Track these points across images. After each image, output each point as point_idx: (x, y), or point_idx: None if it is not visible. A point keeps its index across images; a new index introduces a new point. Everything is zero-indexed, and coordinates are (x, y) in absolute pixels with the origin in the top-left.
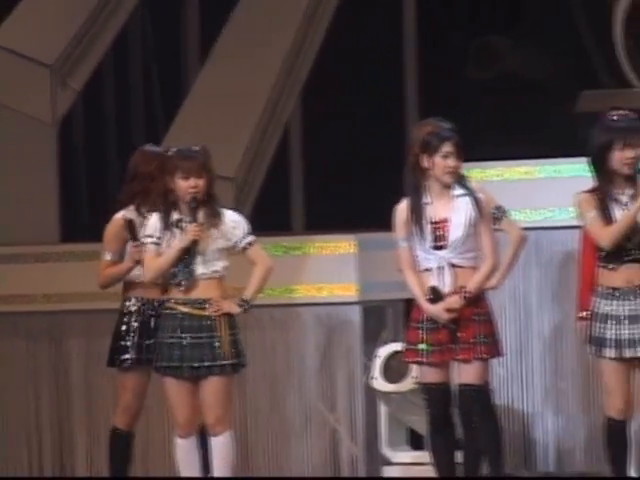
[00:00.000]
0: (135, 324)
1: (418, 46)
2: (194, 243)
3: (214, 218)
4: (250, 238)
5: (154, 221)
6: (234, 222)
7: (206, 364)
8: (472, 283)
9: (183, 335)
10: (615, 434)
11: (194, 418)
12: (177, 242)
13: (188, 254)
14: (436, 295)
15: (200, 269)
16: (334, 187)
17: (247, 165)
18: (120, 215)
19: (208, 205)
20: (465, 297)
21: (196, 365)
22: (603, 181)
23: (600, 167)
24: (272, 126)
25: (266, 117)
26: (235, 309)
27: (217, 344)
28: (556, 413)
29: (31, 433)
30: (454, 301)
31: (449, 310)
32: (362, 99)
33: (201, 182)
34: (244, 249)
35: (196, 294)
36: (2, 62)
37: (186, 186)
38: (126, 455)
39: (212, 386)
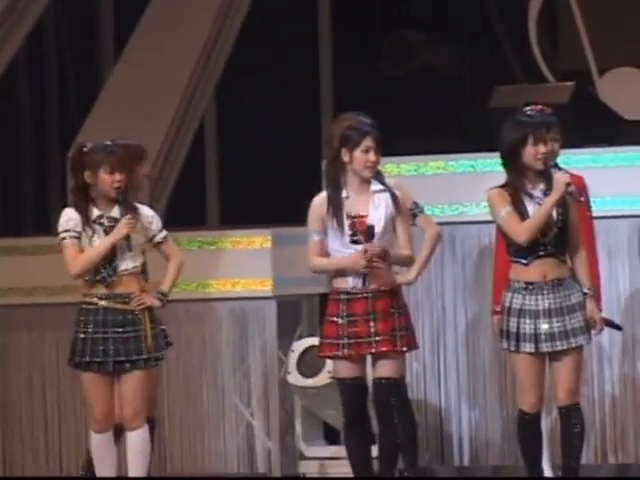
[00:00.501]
0: None
1: (333, 41)
2: (125, 237)
3: (134, 213)
4: (164, 233)
5: (72, 216)
6: (149, 217)
7: (132, 358)
8: (392, 252)
9: (107, 330)
10: (529, 428)
11: (112, 413)
12: (110, 235)
13: (112, 250)
14: (371, 232)
15: (123, 265)
16: (249, 182)
17: (162, 160)
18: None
19: (126, 201)
20: (381, 253)
21: (121, 359)
22: (516, 176)
23: (513, 162)
24: (187, 121)
25: (181, 112)
26: (156, 303)
27: (142, 338)
28: (471, 407)
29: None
30: (372, 245)
31: (367, 258)
32: (277, 94)
33: (124, 176)
34: (159, 244)
35: (119, 289)
36: None
37: (111, 180)
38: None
39: (134, 380)
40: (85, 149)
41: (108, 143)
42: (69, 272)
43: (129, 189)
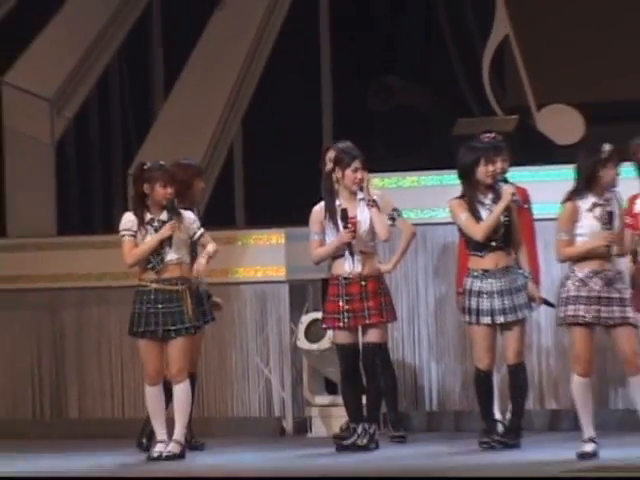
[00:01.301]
0: None
1: (333, 85)
2: (169, 237)
3: (178, 217)
4: (201, 231)
5: (131, 218)
6: (191, 220)
7: (177, 327)
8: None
9: (157, 306)
10: (483, 382)
11: (161, 370)
12: (157, 235)
13: (160, 245)
14: (344, 215)
15: (168, 256)
16: (268, 191)
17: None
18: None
19: (173, 207)
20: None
21: (168, 328)
22: (470, 189)
23: (468, 178)
24: (220, 144)
25: (216, 137)
26: (202, 261)
27: (184, 311)
28: (438, 366)
29: (34, 381)
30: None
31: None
32: (290, 124)
33: (174, 189)
34: (198, 239)
35: (166, 275)
36: (14, 96)
37: (163, 192)
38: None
39: (178, 344)
40: (145, 167)
41: (162, 163)
42: (125, 262)
43: (188, 200)
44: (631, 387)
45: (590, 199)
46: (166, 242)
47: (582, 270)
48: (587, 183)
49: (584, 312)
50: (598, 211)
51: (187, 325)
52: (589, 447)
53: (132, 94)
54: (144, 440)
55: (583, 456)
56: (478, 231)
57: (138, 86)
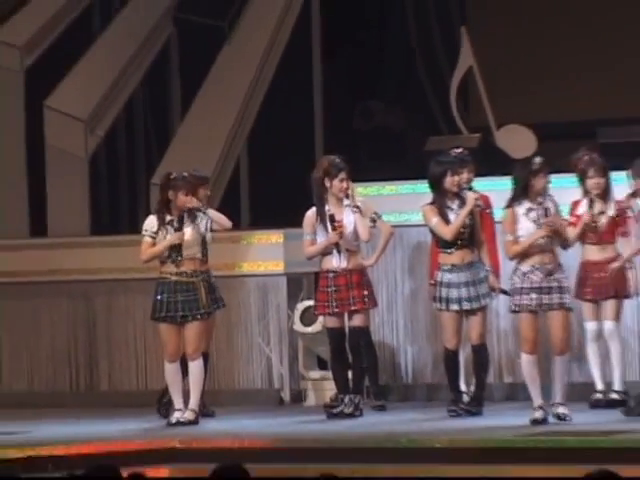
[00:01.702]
0: None
1: (324, 108)
2: (180, 242)
3: (195, 219)
4: (209, 234)
5: (153, 220)
6: (201, 218)
7: (192, 313)
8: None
9: (176, 295)
10: (451, 359)
11: (179, 350)
12: (167, 240)
13: (179, 246)
14: (332, 219)
15: (185, 252)
16: (269, 198)
17: (212, 184)
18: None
19: (191, 212)
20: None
21: (185, 314)
22: (440, 196)
23: (438, 187)
24: (229, 158)
25: (225, 153)
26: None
27: (199, 300)
28: (413, 346)
29: (71, 358)
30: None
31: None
32: (287, 141)
33: (193, 197)
34: (208, 231)
35: (183, 268)
36: (54, 117)
37: (184, 200)
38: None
39: (193, 327)
40: (171, 177)
41: (185, 174)
42: (141, 258)
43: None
44: (556, 364)
45: (525, 204)
46: (183, 242)
47: (525, 265)
48: (522, 191)
49: (528, 301)
50: (533, 215)
51: (202, 311)
52: (538, 414)
53: (153, 116)
54: (161, 408)
55: (534, 422)
56: (447, 232)
57: (158, 109)
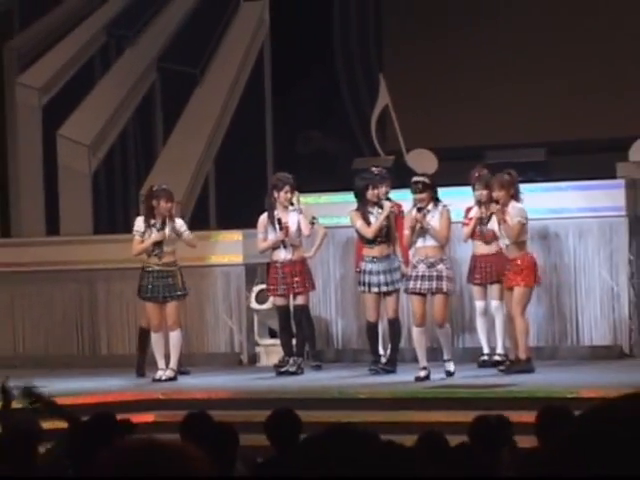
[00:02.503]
0: None
1: (273, 136)
2: (162, 239)
3: (173, 223)
4: (188, 231)
5: (140, 223)
6: (180, 224)
7: (172, 294)
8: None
9: (159, 280)
10: (371, 330)
11: (162, 322)
12: (151, 238)
13: (160, 242)
14: (279, 222)
15: (166, 248)
16: (231, 206)
17: (187, 195)
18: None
19: (171, 217)
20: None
21: (166, 294)
22: (363, 204)
23: (361, 197)
24: (200, 175)
25: (197, 170)
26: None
27: (176, 284)
28: (343, 320)
29: (78, 329)
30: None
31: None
32: (246, 162)
33: (171, 204)
34: (183, 234)
35: (164, 260)
36: (65, 143)
37: (166, 207)
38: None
39: (173, 305)
40: (154, 188)
41: (165, 187)
42: (132, 252)
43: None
44: (439, 334)
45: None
46: (163, 240)
47: (415, 258)
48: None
49: (413, 285)
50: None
51: (179, 293)
52: (422, 373)
53: (141, 143)
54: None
55: (417, 379)
56: (369, 232)
57: (145, 137)
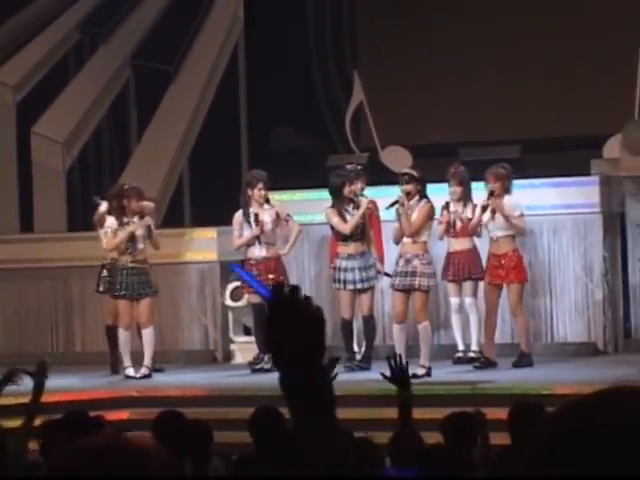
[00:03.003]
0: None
1: (248, 133)
2: (134, 233)
3: (145, 221)
4: (155, 231)
5: (113, 221)
6: (151, 223)
7: (144, 291)
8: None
9: (133, 277)
10: (346, 327)
11: (133, 320)
12: (127, 230)
13: (133, 239)
14: (255, 218)
15: (139, 245)
16: (206, 204)
17: (161, 193)
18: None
19: (142, 215)
20: (262, 225)
21: (140, 291)
22: (339, 201)
23: (337, 194)
24: (174, 173)
25: (171, 169)
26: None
27: (149, 279)
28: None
29: (52, 327)
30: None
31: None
32: (220, 160)
33: (141, 202)
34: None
35: (137, 257)
36: (39, 141)
37: (136, 205)
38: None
39: (146, 302)
40: (125, 187)
41: (135, 185)
42: (106, 247)
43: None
44: (420, 331)
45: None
46: (135, 237)
47: (397, 255)
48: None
49: (392, 281)
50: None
51: (152, 290)
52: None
53: (116, 140)
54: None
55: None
56: (346, 228)
57: (120, 134)
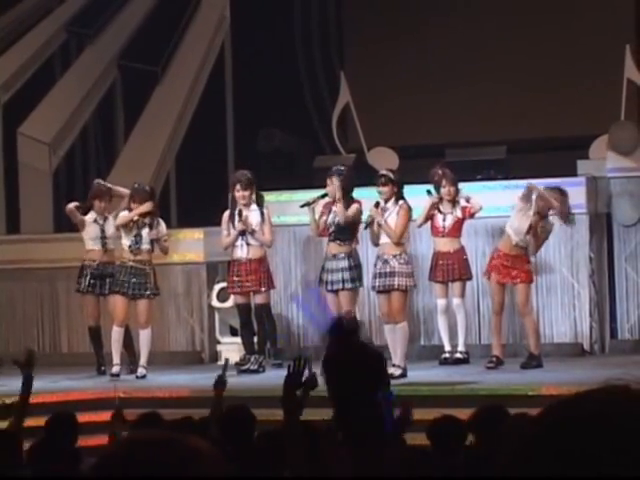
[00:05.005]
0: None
1: (234, 134)
2: (141, 231)
3: (158, 224)
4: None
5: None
6: (163, 227)
7: (143, 292)
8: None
9: (131, 276)
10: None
11: (126, 318)
12: (141, 207)
13: (138, 239)
14: (240, 213)
15: (144, 246)
16: (192, 204)
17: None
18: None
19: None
20: (250, 230)
21: (136, 292)
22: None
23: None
24: (161, 173)
25: (158, 168)
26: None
27: (149, 281)
28: (298, 317)
29: (38, 328)
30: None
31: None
32: (207, 160)
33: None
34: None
35: (139, 257)
36: (25, 141)
37: (135, 205)
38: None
39: (144, 303)
40: (100, 183)
41: (141, 186)
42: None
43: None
44: (397, 332)
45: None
46: (140, 236)
47: (375, 255)
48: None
49: (372, 283)
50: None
51: (153, 292)
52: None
53: (102, 140)
54: (101, 367)
55: (391, 377)
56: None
57: (106, 135)
